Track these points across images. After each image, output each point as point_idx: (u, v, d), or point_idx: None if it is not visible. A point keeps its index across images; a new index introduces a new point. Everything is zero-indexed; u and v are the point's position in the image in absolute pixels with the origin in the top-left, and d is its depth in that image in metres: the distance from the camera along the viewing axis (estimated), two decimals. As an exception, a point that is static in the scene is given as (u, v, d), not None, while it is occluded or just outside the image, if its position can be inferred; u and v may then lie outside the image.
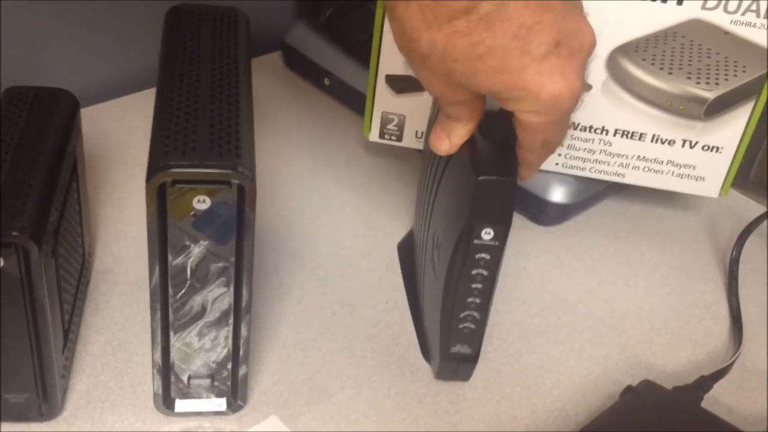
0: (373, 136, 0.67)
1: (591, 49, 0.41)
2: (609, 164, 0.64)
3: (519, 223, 0.67)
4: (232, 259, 0.43)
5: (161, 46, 0.49)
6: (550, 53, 0.39)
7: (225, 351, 0.47)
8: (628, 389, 0.52)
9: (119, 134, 0.71)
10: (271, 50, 0.84)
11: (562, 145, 0.62)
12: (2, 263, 0.41)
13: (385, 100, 0.65)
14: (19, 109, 0.49)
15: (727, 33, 0.59)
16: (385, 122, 0.66)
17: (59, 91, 0.51)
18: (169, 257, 0.43)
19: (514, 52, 0.39)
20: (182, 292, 0.44)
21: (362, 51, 0.69)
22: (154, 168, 0.39)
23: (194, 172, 0.39)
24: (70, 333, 0.50)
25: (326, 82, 0.78)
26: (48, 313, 0.44)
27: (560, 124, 0.43)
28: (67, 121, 0.50)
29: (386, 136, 0.67)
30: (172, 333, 0.46)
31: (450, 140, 0.46)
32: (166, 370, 0.47)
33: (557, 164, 0.65)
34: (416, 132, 0.66)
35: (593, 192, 0.68)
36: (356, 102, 0.73)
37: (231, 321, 0.46)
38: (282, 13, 0.85)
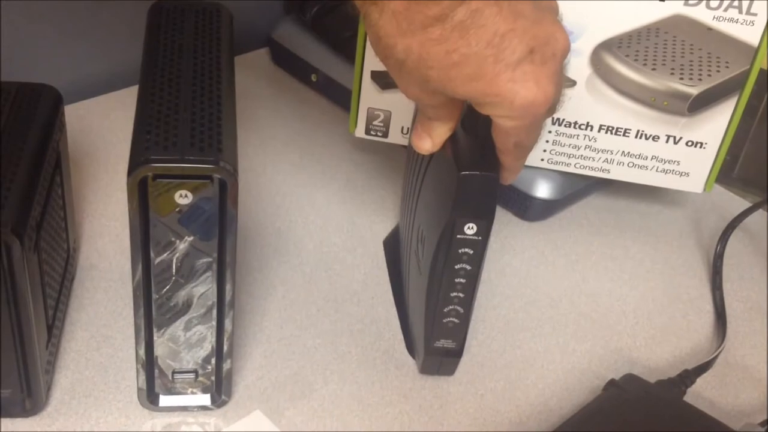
0: (359, 132, 0.67)
1: (564, 54, 0.42)
2: (594, 160, 0.65)
3: (504, 218, 0.68)
4: (216, 255, 0.43)
5: (144, 42, 0.49)
6: (524, 60, 0.39)
7: (209, 346, 0.47)
8: (611, 383, 0.52)
9: (104, 131, 0.71)
10: (259, 47, 0.84)
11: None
12: (-16, 258, 0.41)
13: (370, 97, 0.65)
14: (1, 104, 0.48)
15: (709, 29, 0.59)
16: (370, 118, 0.66)
17: (42, 86, 0.51)
18: (153, 253, 0.43)
19: (488, 59, 0.39)
20: (167, 287, 0.44)
21: (349, 47, 0.69)
22: (135, 163, 0.39)
23: (175, 167, 0.40)
24: (54, 328, 0.50)
25: (313, 78, 0.78)
26: (30, 308, 0.44)
27: (533, 127, 0.43)
28: (49, 116, 0.49)
29: (372, 133, 0.67)
30: (155, 328, 0.46)
31: (432, 139, 0.47)
32: (150, 365, 0.47)
33: (542, 160, 0.65)
34: (402, 128, 0.66)
35: (578, 188, 0.68)
36: (343, 98, 0.73)
37: (215, 316, 0.46)
38: (269, 10, 0.85)
